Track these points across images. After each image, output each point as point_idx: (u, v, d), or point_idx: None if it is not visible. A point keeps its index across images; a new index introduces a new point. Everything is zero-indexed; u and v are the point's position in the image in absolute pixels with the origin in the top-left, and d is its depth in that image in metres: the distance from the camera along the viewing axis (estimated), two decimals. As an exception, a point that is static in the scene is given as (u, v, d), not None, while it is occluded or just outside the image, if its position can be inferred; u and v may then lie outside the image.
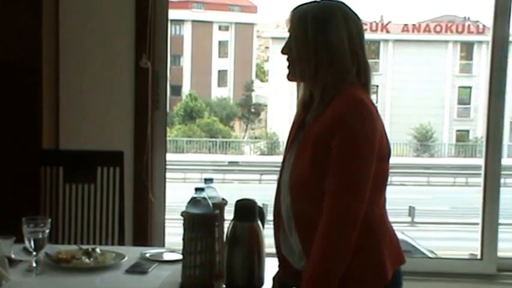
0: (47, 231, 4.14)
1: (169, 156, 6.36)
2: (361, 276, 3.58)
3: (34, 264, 4.12)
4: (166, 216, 6.17)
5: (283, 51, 3.75)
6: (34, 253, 4.11)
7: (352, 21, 3.69)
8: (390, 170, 3.67)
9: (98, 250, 4.39)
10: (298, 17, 3.74)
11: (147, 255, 4.41)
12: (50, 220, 4.21)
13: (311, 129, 3.68)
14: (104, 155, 5.56)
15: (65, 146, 5.90)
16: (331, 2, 3.75)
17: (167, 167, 6.24)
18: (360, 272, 3.55)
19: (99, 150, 5.62)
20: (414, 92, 19.81)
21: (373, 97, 3.77)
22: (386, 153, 3.67)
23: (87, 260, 4.25)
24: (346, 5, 3.75)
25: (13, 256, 4.19)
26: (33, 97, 5.63)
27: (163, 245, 5.67)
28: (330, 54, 3.66)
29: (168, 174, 6.25)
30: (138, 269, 4.19)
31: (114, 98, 6.02)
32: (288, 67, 3.76)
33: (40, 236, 4.10)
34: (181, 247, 3.97)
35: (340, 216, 3.48)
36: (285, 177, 3.76)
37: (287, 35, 3.74)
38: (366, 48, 3.75)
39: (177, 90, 18.20)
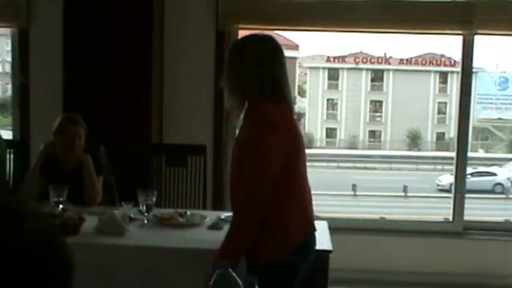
0: (154, 199, 4.19)
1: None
2: (269, 242, 3.38)
3: (145, 221, 4.18)
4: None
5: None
6: (146, 214, 4.17)
7: (268, 52, 3.44)
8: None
9: (188, 213, 4.42)
10: (230, 49, 3.59)
11: (222, 217, 4.41)
12: (156, 192, 4.25)
13: (239, 137, 3.56)
14: (193, 147, 5.58)
15: (166, 141, 5.93)
16: (248, 36, 3.56)
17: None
18: (268, 238, 3.35)
19: (190, 144, 5.64)
20: (408, 106, 19.76)
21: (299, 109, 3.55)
22: (293, 152, 3.42)
23: (181, 220, 4.29)
24: (267, 38, 3.54)
25: (132, 215, 4.23)
26: (145, 109, 5.67)
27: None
28: (241, 79, 3.44)
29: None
30: (216, 226, 4.21)
31: (201, 108, 6.04)
32: (227, 88, 3.54)
33: (150, 202, 4.16)
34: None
35: (248, 200, 3.32)
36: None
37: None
38: (284, 73, 3.48)
39: (243, 103, 18.25)
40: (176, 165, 5.49)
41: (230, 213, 4.56)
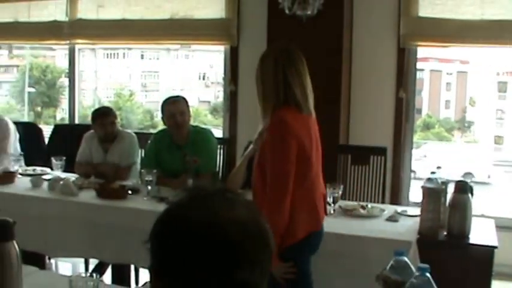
0: (340, 192, 4.21)
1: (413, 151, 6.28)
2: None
3: (332, 211, 4.18)
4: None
5: None
6: (332, 205, 4.18)
7: (284, 61, 3.34)
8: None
9: (369, 205, 4.39)
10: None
11: (399, 210, 4.36)
12: (342, 186, 4.26)
13: (263, 140, 3.38)
14: (375, 148, 5.54)
15: (352, 142, 5.94)
16: (270, 46, 3.38)
17: (411, 157, 6.15)
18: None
19: (372, 146, 5.61)
20: None
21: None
22: (309, 155, 3.30)
23: (362, 211, 4.27)
24: (285, 49, 3.41)
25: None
26: (335, 115, 5.71)
27: (408, 204, 5.59)
28: (263, 86, 3.37)
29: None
30: (392, 218, 4.16)
31: (383, 114, 6.00)
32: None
33: (336, 195, 4.18)
34: (419, 207, 3.92)
35: (273, 197, 3.20)
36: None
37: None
38: (299, 80, 3.36)
39: (419, 111, 17.95)
40: (360, 164, 5.48)
41: (406, 207, 4.52)
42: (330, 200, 4.16)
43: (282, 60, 3.34)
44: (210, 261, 1.38)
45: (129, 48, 11.19)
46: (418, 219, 3.93)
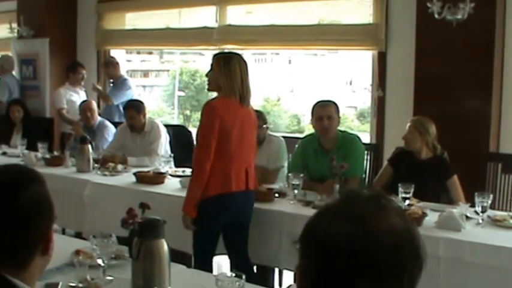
0: (489, 201, 4.08)
1: None
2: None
3: (480, 221, 4.08)
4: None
5: (206, 75, 4.41)
6: (480, 214, 4.08)
7: (238, 65, 4.26)
8: None
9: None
10: (216, 60, 4.31)
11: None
12: (491, 195, 4.14)
13: None
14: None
15: (503, 150, 5.78)
16: (221, 53, 4.58)
17: None
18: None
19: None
20: None
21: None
22: (228, 132, 4.19)
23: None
24: (233, 55, 4.36)
25: (468, 214, 4.15)
26: (485, 122, 5.61)
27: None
28: (222, 80, 4.23)
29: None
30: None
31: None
32: (208, 84, 4.40)
33: (485, 204, 4.06)
34: None
35: (198, 159, 4.22)
36: None
37: None
38: (243, 79, 4.26)
39: None
40: (511, 173, 5.34)
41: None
42: (478, 209, 4.09)
43: (225, 64, 4.26)
44: (359, 268, 1.38)
45: (277, 53, 11.37)
46: None
